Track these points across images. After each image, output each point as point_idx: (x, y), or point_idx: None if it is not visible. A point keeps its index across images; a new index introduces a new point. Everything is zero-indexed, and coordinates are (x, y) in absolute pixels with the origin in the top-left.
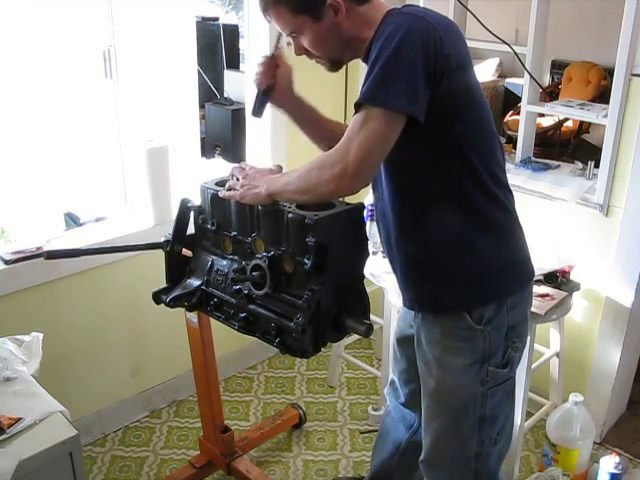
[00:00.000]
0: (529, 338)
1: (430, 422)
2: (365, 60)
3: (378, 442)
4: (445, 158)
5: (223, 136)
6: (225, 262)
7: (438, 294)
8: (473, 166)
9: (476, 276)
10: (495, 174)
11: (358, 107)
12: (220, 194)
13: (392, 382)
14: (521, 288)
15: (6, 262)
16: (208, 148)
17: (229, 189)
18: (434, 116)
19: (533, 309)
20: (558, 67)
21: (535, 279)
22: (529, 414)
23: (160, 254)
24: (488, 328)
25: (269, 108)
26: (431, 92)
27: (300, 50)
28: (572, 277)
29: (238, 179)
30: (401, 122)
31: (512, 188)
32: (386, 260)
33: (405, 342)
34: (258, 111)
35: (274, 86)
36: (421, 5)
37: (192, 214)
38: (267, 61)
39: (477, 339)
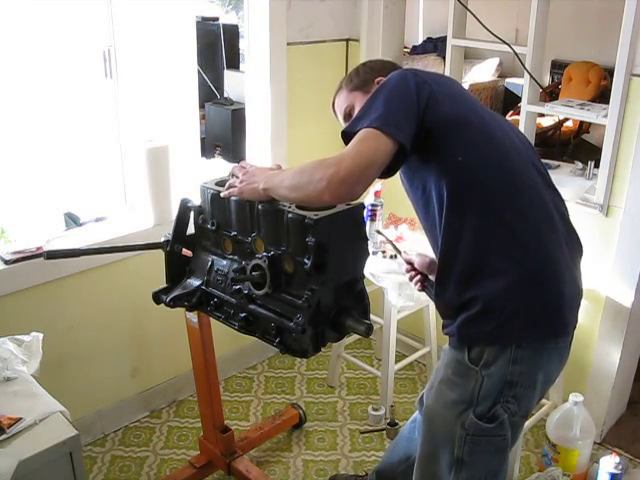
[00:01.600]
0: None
1: (420, 446)
2: None
3: (394, 442)
4: (458, 189)
5: (223, 136)
6: (225, 262)
7: (450, 324)
8: (479, 195)
9: (484, 311)
10: (515, 204)
11: (346, 136)
12: (222, 194)
13: (425, 392)
14: (536, 342)
15: (6, 262)
16: (208, 148)
17: (229, 187)
18: (433, 147)
19: None
20: (558, 67)
21: None
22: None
23: (160, 254)
24: (483, 372)
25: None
26: (420, 118)
27: None
28: None
29: (238, 177)
30: (384, 140)
31: None
32: (386, 260)
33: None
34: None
35: (427, 275)
36: (421, 5)
37: (192, 214)
38: (408, 268)
39: (470, 379)
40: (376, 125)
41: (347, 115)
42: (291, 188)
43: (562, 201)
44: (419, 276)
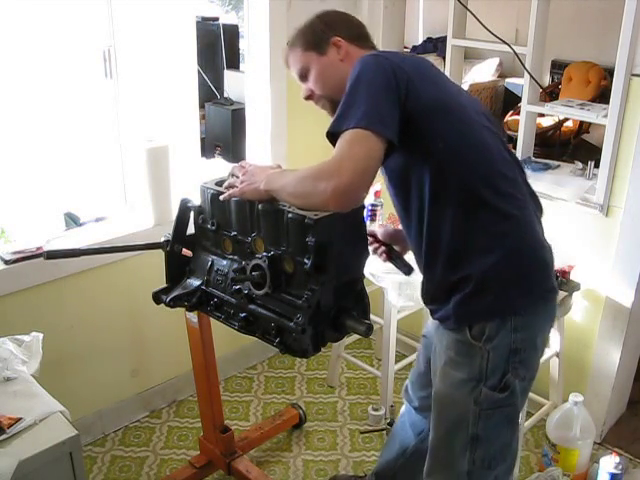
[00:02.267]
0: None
1: (431, 431)
2: None
3: (388, 440)
4: (440, 174)
5: (223, 136)
6: (225, 262)
7: (445, 306)
8: (460, 179)
9: (478, 289)
10: (494, 183)
11: (332, 136)
12: (221, 197)
13: (409, 384)
14: (531, 307)
15: (6, 262)
16: (208, 148)
17: (228, 187)
18: (414, 134)
19: None
20: (558, 67)
21: None
22: (529, 414)
23: (160, 254)
24: (487, 346)
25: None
26: (402, 107)
27: (307, 92)
28: (572, 277)
29: (238, 177)
30: (375, 140)
31: None
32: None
33: (430, 345)
34: (405, 266)
35: (391, 246)
36: (421, 5)
37: (192, 214)
38: (371, 240)
39: (475, 356)
40: (364, 125)
41: (302, 76)
42: (294, 196)
43: (524, 172)
44: (383, 247)
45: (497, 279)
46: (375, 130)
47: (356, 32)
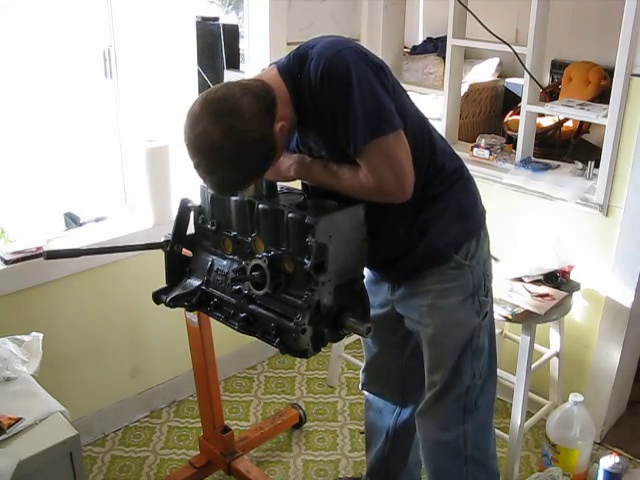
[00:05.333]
0: (529, 338)
1: (437, 370)
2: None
3: (368, 438)
4: (419, 144)
5: None
6: (225, 262)
7: (430, 246)
8: (430, 148)
9: (454, 217)
10: (443, 150)
11: (359, 149)
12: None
13: (365, 374)
14: (484, 224)
15: (6, 262)
16: None
17: None
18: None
19: (533, 309)
20: (558, 67)
21: (535, 279)
22: (529, 414)
23: (160, 254)
24: (473, 262)
25: None
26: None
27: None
28: (572, 277)
29: None
30: (399, 136)
31: (512, 188)
32: None
33: (376, 325)
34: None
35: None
36: (421, 5)
37: (192, 214)
38: None
39: (465, 274)
40: (389, 130)
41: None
42: (345, 190)
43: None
44: None
45: (464, 205)
46: (394, 128)
47: (263, 101)
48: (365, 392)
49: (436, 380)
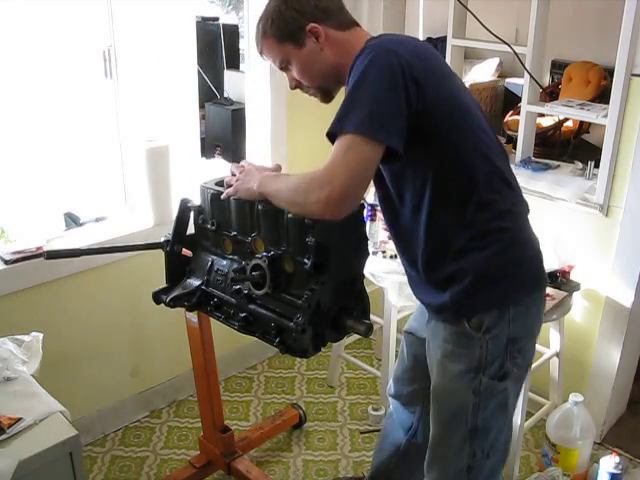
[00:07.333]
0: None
1: (432, 427)
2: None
3: (379, 443)
4: (441, 169)
5: (223, 136)
6: (225, 262)
7: (443, 300)
8: (458, 174)
9: (476, 282)
10: (492, 181)
11: (332, 137)
12: (222, 196)
13: (394, 382)
14: (527, 297)
15: (6, 262)
16: (208, 148)
17: (227, 185)
18: (417, 134)
19: None
20: (558, 67)
21: None
22: (529, 414)
23: (160, 254)
24: (486, 337)
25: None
26: (408, 108)
27: (292, 82)
28: (572, 277)
29: (235, 175)
30: (373, 147)
31: None
32: (386, 260)
33: (416, 341)
34: None
35: None
36: (421, 5)
37: (192, 214)
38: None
39: (474, 346)
40: (362, 131)
41: (285, 68)
42: (289, 204)
43: (509, 162)
44: None
45: (494, 272)
46: (374, 136)
47: (330, 10)
48: (390, 398)
49: (430, 437)
